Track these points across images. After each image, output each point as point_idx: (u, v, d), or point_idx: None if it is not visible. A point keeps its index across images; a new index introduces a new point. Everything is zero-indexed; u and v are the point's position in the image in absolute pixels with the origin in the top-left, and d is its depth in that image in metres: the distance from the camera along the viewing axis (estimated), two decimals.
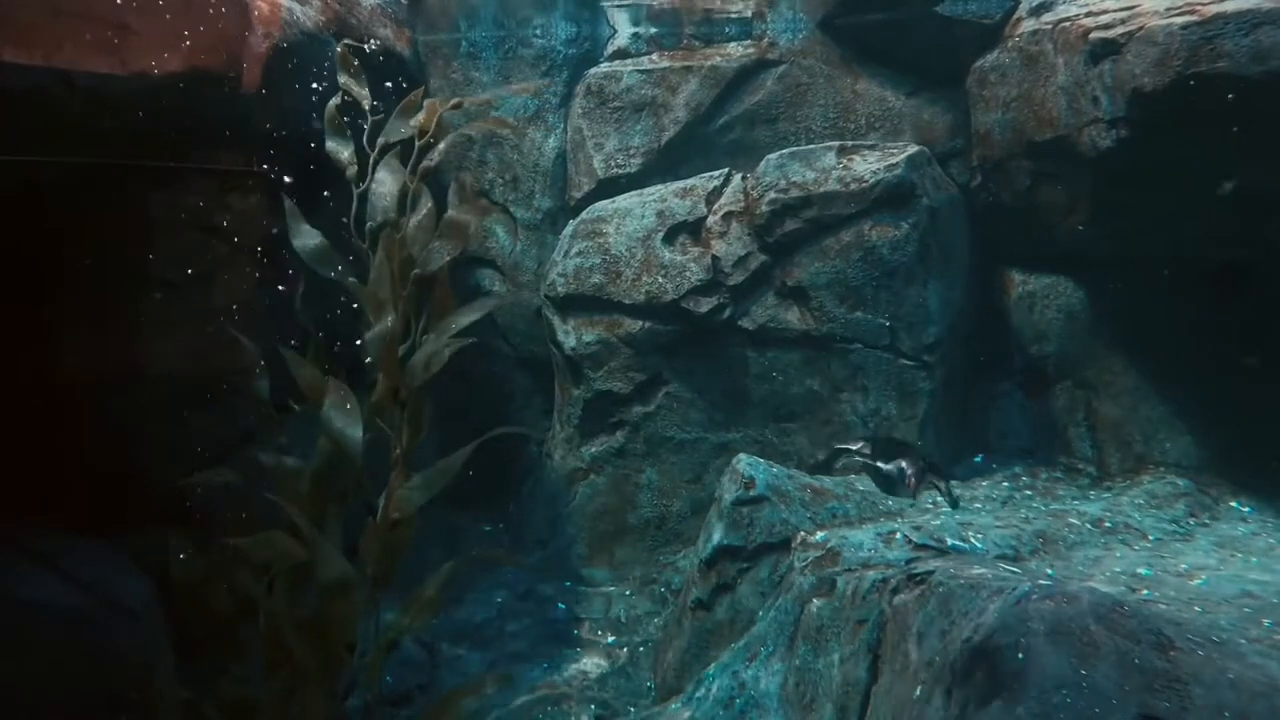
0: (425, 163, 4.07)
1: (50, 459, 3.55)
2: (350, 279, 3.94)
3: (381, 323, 3.83)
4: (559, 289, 5.73)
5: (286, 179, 4.14)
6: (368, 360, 3.89)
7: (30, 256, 3.58)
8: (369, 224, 4.01)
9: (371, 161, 4.06)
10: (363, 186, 4.02)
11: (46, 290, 3.66)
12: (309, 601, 3.61)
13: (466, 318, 3.98)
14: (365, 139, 4.10)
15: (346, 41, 4.22)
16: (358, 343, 3.93)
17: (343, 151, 4.08)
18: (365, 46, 4.78)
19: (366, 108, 4.10)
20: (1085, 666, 2.87)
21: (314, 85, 4.50)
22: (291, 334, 4.02)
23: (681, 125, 6.17)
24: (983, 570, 3.63)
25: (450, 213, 4.05)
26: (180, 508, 3.71)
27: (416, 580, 3.91)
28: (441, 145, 4.10)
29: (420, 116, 4.12)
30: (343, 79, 4.14)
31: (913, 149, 5.57)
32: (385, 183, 3.98)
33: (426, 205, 4.04)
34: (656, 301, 5.53)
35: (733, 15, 6.39)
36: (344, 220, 4.01)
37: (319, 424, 3.69)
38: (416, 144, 4.09)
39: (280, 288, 4.09)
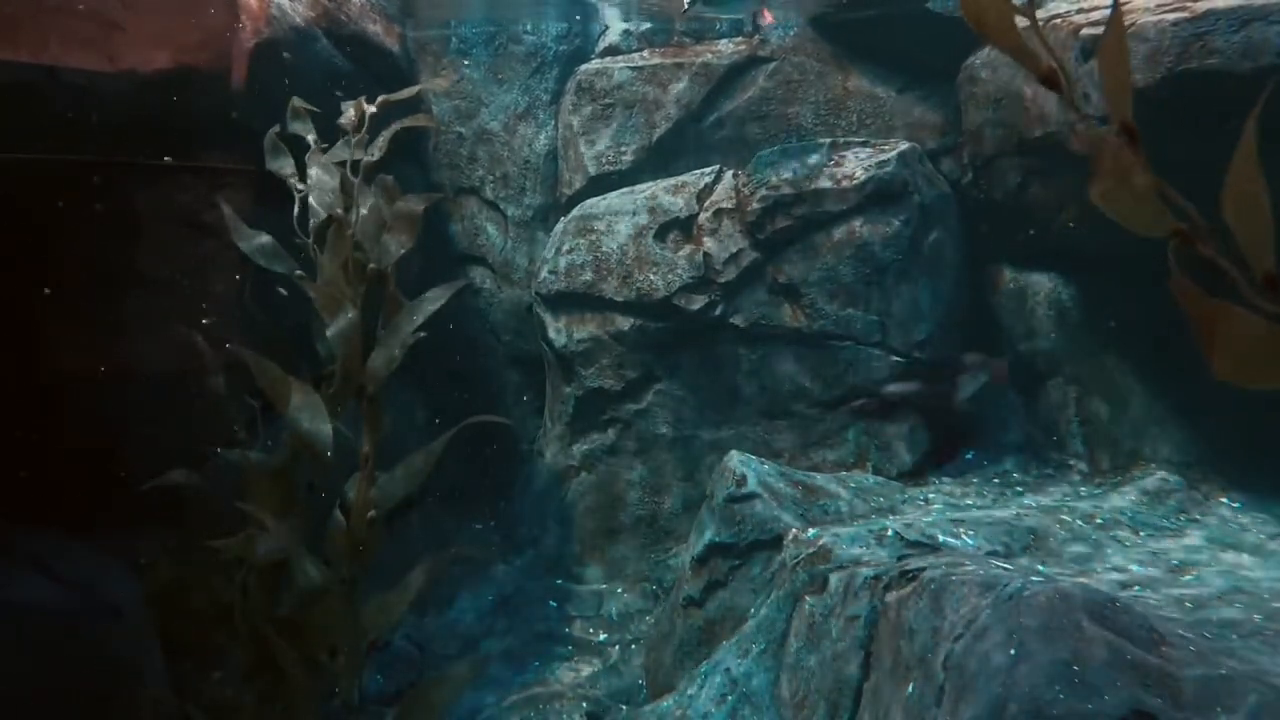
0: (366, 158, 4.05)
1: (38, 459, 3.51)
2: (298, 273, 3.93)
3: (343, 319, 3.80)
4: (550, 286, 5.71)
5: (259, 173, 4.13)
6: (328, 356, 3.88)
7: (15, 254, 3.54)
8: (312, 222, 4.00)
9: (307, 162, 4.07)
10: (303, 188, 4.02)
11: (34, 289, 3.63)
12: (286, 603, 3.59)
13: (426, 309, 3.95)
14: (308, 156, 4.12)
15: (296, 100, 4.19)
16: (319, 339, 3.91)
17: (285, 168, 4.10)
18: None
19: (311, 140, 4.10)
20: (1077, 662, 2.87)
21: (302, 81, 4.46)
22: (275, 332, 4.00)
23: (673, 122, 6.15)
24: (974, 567, 3.63)
25: (399, 204, 4.03)
26: (169, 508, 3.68)
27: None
28: (380, 141, 4.09)
29: (350, 113, 4.11)
30: (294, 125, 4.13)
31: (904, 146, 5.57)
32: (322, 181, 3.97)
33: (369, 201, 4.02)
34: (648, 299, 5.52)
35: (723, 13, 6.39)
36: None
37: (287, 423, 3.68)
38: (353, 141, 4.08)
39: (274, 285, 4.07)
